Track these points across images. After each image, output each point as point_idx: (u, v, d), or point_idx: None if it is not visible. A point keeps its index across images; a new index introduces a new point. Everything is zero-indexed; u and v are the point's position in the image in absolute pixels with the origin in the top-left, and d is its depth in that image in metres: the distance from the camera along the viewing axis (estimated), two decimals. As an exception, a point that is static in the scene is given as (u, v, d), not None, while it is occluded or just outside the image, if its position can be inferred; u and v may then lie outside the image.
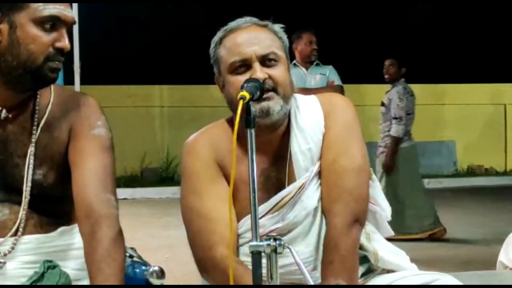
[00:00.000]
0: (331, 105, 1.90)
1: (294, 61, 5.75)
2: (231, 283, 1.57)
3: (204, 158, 1.86)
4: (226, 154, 1.82)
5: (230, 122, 1.91)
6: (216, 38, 1.87)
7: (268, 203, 1.82)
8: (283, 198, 1.82)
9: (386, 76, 6.21)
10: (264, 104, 1.76)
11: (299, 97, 1.93)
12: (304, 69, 5.77)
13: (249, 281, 1.54)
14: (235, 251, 1.81)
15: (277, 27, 1.89)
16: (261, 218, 1.79)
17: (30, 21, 1.61)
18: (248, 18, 1.88)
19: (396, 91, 6.15)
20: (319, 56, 5.85)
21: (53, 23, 1.63)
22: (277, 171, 1.86)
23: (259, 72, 1.77)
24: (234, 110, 1.73)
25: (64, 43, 1.65)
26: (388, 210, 1.98)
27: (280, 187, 1.84)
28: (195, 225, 1.82)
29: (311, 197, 1.82)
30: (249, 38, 1.82)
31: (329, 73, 5.76)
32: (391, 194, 5.79)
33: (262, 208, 1.81)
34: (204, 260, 1.81)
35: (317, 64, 5.82)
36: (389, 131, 6.13)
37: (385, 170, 6.11)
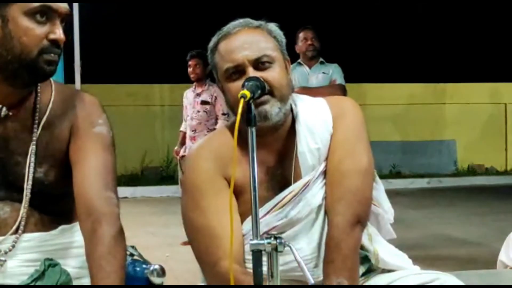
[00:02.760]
0: (340, 108, 1.90)
1: (298, 60, 5.75)
2: (232, 282, 1.56)
3: (207, 172, 1.83)
4: (229, 163, 1.79)
5: (232, 127, 1.90)
6: (211, 45, 1.87)
7: (273, 200, 1.82)
8: (286, 196, 1.82)
9: (193, 76, 6.17)
10: (261, 109, 1.76)
11: (306, 99, 1.93)
12: (307, 68, 5.76)
13: None
14: (242, 259, 1.79)
15: (271, 26, 1.88)
16: (265, 215, 1.80)
17: (22, 14, 1.60)
18: (241, 20, 1.86)
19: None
20: (322, 55, 5.84)
21: (45, 14, 1.61)
22: (283, 169, 1.86)
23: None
24: (236, 114, 1.72)
25: (58, 34, 1.63)
26: (391, 213, 1.99)
27: (286, 185, 1.85)
28: (201, 242, 1.81)
29: (316, 195, 1.83)
30: (241, 43, 1.80)
31: (332, 72, 5.75)
32: None
33: (266, 206, 1.81)
34: (211, 276, 1.81)
35: (322, 62, 5.81)
36: (215, 129, 6.06)
37: None
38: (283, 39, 1.89)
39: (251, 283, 1.51)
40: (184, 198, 1.88)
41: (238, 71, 1.79)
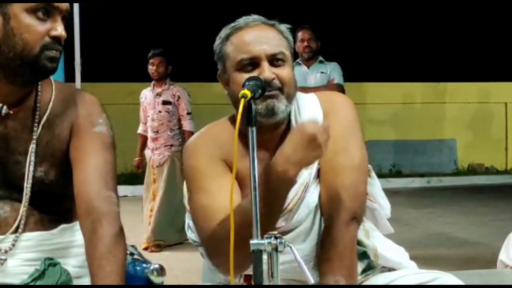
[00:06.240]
0: (330, 104, 1.90)
1: (297, 60, 5.74)
2: (232, 282, 1.56)
3: (207, 156, 1.84)
4: (230, 151, 1.81)
5: (232, 120, 1.90)
6: (222, 35, 1.86)
7: None
8: (291, 200, 1.81)
9: (156, 75, 5.94)
10: (269, 102, 1.76)
11: (299, 95, 1.93)
12: (305, 67, 5.75)
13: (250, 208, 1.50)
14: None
15: (283, 27, 1.89)
16: None
17: (23, 11, 1.61)
18: (256, 16, 1.87)
19: (181, 88, 6.00)
20: (321, 54, 5.83)
21: (46, 11, 1.62)
22: None
23: (267, 71, 1.76)
24: (237, 108, 1.72)
25: (60, 31, 1.64)
26: (388, 208, 1.98)
27: None
28: (204, 220, 1.78)
29: (313, 195, 1.83)
30: (258, 37, 1.81)
31: (330, 71, 5.73)
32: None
33: None
34: (209, 247, 1.77)
35: (321, 62, 5.79)
36: (179, 128, 5.92)
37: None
38: (292, 42, 1.90)
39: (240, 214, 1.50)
40: (187, 184, 1.88)
41: (252, 63, 1.79)
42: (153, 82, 6.06)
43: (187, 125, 5.92)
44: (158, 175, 5.91)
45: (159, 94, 5.98)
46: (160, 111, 5.92)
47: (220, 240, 1.69)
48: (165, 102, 5.95)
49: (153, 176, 5.94)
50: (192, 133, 5.84)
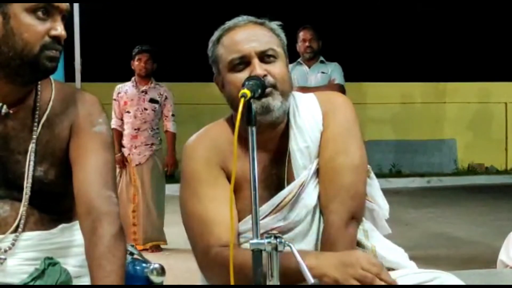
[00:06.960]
0: (330, 104, 1.90)
1: (299, 59, 5.74)
2: (232, 282, 1.56)
3: (204, 161, 1.85)
4: (227, 155, 1.82)
5: (230, 121, 1.91)
6: (213, 38, 1.87)
7: (270, 203, 1.82)
8: (285, 198, 1.82)
9: (143, 71, 5.80)
10: (264, 100, 1.76)
11: (298, 96, 1.93)
12: (306, 67, 5.75)
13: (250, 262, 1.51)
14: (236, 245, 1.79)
15: (274, 24, 1.89)
16: (263, 218, 1.80)
17: (23, 11, 1.61)
18: (245, 17, 1.88)
19: (167, 88, 5.92)
20: (322, 53, 5.83)
21: (46, 11, 1.63)
22: (277, 168, 1.86)
23: (258, 68, 1.77)
24: (235, 109, 1.72)
25: (60, 31, 1.64)
26: (386, 209, 1.98)
27: (280, 184, 1.85)
28: (196, 229, 1.82)
29: (311, 195, 1.83)
30: (247, 35, 1.82)
31: (331, 71, 5.73)
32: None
33: (264, 209, 1.81)
34: (203, 262, 1.81)
35: (322, 62, 5.79)
36: (158, 128, 5.87)
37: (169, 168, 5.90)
38: (284, 39, 1.90)
39: (245, 257, 1.51)
40: (182, 185, 1.90)
41: (243, 62, 1.79)
42: (134, 78, 5.92)
43: (171, 126, 5.86)
44: (138, 175, 5.77)
45: (144, 92, 5.85)
46: (145, 109, 5.80)
47: (215, 265, 1.74)
48: (152, 101, 5.81)
49: (133, 176, 5.78)
50: (175, 135, 5.85)
